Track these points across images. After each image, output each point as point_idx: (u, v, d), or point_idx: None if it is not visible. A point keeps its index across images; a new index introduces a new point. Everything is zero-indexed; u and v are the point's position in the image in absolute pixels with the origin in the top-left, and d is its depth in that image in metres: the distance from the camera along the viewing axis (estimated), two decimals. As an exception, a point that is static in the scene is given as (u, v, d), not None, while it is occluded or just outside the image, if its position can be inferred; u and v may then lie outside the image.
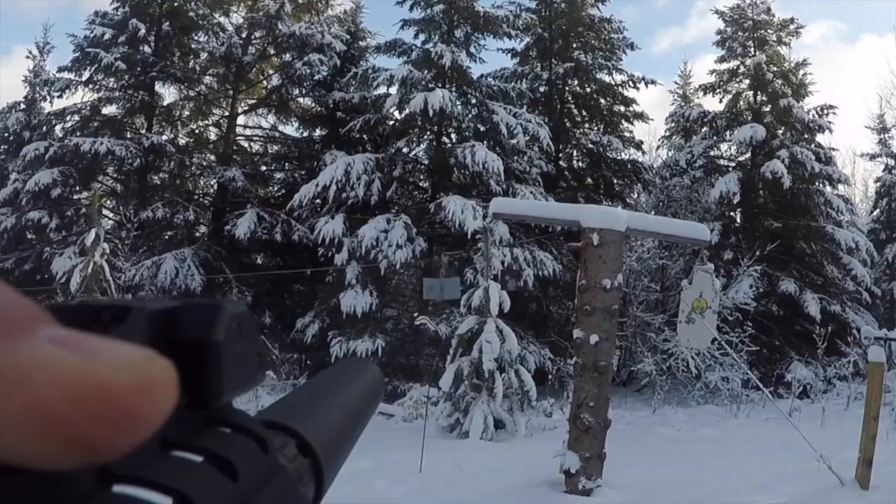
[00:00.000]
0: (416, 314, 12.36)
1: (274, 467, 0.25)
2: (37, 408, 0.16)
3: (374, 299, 14.16)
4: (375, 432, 7.98)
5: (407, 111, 15.17)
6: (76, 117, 17.45)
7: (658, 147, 21.16)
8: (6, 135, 18.02)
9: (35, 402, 0.16)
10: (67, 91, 17.38)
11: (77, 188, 16.25)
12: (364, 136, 16.52)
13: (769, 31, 17.97)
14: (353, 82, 16.69)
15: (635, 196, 19.08)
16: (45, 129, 17.43)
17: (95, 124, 17.11)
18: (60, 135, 17.16)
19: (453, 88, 15.68)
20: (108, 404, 0.16)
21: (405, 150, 16.00)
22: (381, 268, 13.87)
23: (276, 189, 17.70)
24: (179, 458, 0.21)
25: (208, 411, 0.23)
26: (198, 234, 16.55)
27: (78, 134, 16.55)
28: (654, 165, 19.32)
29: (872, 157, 20.35)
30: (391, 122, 16.02)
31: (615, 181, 18.42)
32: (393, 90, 15.64)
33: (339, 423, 0.36)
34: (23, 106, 18.10)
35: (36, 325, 0.17)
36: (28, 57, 18.37)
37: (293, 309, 16.25)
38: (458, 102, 15.35)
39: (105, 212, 16.11)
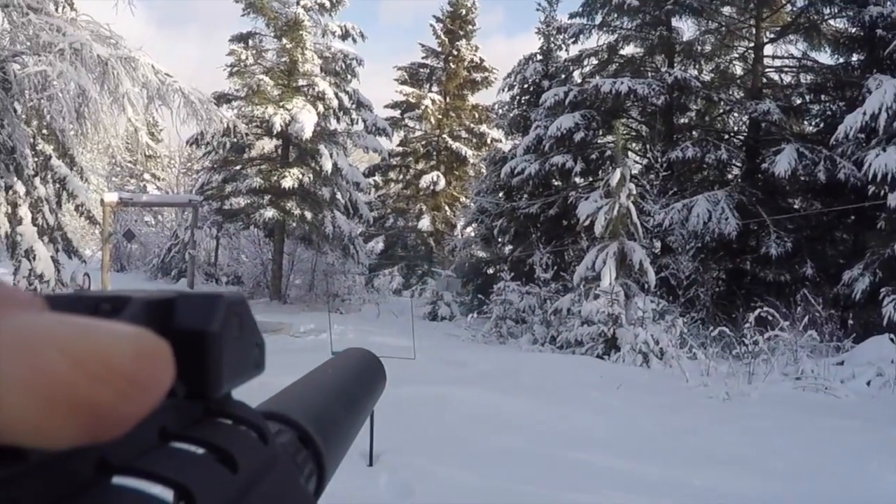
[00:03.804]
0: None
1: (274, 458, 0.26)
2: (41, 371, 0.17)
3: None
4: None
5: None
6: (593, 60, 19.41)
7: None
8: (525, 85, 20.54)
9: (39, 364, 0.17)
10: (581, 36, 19.42)
11: (600, 132, 17.81)
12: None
13: None
14: (893, -7, 15.97)
15: None
16: (563, 76, 19.48)
17: (614, 66, 18.76)
18: (578, 80, 19.30)
19: None
20: (110, 369, 0.18)
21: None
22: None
23: (812, 123, 17.77)
24: (178, 450, 0.22)
25: (207, 402, 0.25)
26: (730, 176, 17.40)
27: (596, 77, 18.61)
28: None
29: None
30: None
31: None
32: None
33: (339, 414, 0.39)
34: (539, 57, 20.42)
35: (33, 305, 0.20)
36: (538, 9, 20.76)
37: (837, 259, 16.27)
38: None
39: (632, 155, 17.67)
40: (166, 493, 0.20)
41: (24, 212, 12.68)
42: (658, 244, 16.40)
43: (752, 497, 4.45)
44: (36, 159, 13.17)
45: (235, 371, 0.25)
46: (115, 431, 0.18)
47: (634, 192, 13.10)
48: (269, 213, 17.85)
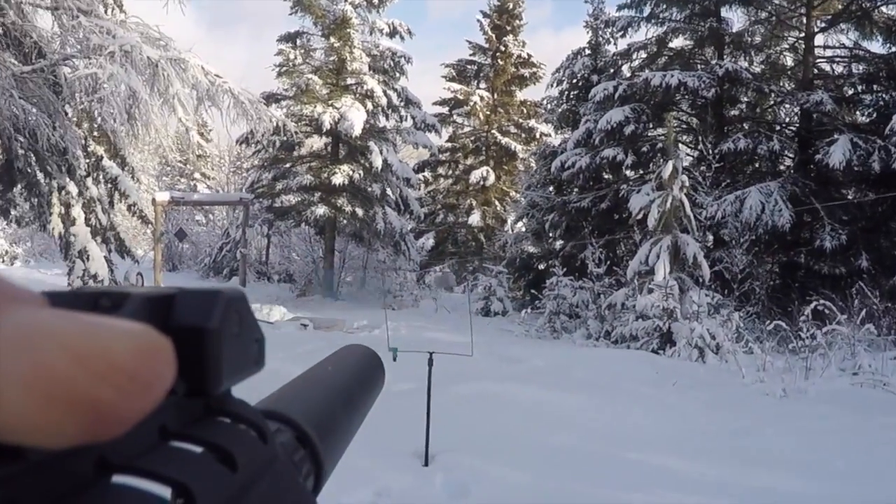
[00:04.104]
0: None
1: (273, 457, 0.26)
2: (42, 367, 0.16)
3: None
4: None
5: None
6: (642, 54, 19.20)
7: None
8: (574, 80, 20.35)
9: (40, 361, 0.17)
10: (630, 29, 19.21)
11: (650, 125, 17.67)
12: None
13: None
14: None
15: None
16: (611, 70, 19.31)
17: (663, 59, 18.56)
18: (627, 73, 19.07)
19: None
20: (111, 366, 0.18)
21: None
22: None
23: (865, 113, 17.35)
24: (178, 449, 0.22)
25: (207, 400, 0.25)
26: (782, 167, 17.11)
27: (646, 71, 18.40)
28: None
29: None
30: None
31: None
32: None
33: (338, 413, 0.39)
34: (588, 51, 20.18)
35: (33, 301, 0.20)
36: (586, 2, 20.46)
37: (892, 251, 15.87)
38: None
39: (683, 147, 17.54)
40: (166, 492, 0.20)
41: (78, 212, 12.97)
42: (711, 237, 16.19)
43: (810, 497, 4.40)
44: (88, 160, 13.39)
45: (235, 368, 0.25)
46: (116, 430, 0.18)
47: (687, 184, 12.89)
48: (320, 210, 17.99)
